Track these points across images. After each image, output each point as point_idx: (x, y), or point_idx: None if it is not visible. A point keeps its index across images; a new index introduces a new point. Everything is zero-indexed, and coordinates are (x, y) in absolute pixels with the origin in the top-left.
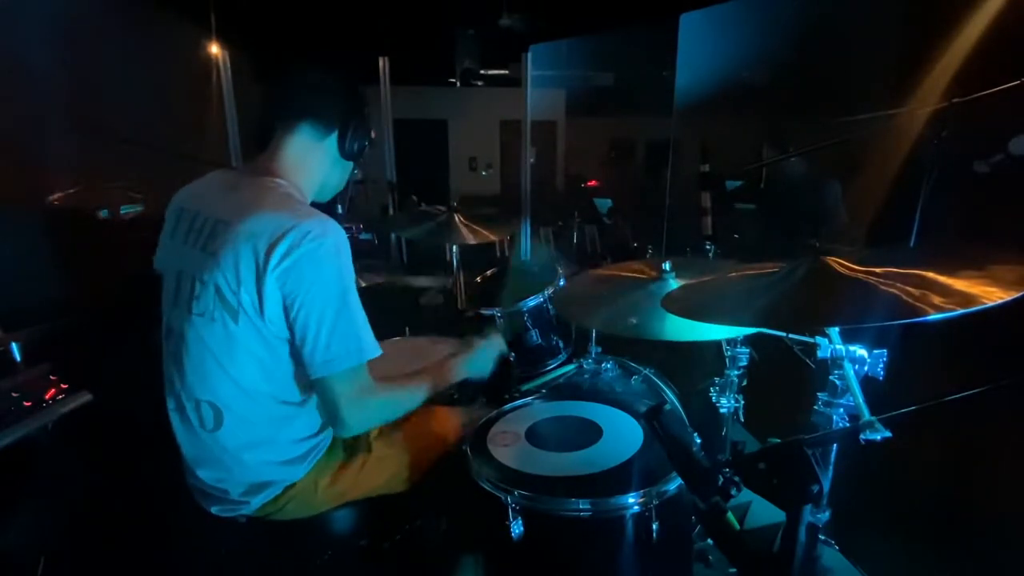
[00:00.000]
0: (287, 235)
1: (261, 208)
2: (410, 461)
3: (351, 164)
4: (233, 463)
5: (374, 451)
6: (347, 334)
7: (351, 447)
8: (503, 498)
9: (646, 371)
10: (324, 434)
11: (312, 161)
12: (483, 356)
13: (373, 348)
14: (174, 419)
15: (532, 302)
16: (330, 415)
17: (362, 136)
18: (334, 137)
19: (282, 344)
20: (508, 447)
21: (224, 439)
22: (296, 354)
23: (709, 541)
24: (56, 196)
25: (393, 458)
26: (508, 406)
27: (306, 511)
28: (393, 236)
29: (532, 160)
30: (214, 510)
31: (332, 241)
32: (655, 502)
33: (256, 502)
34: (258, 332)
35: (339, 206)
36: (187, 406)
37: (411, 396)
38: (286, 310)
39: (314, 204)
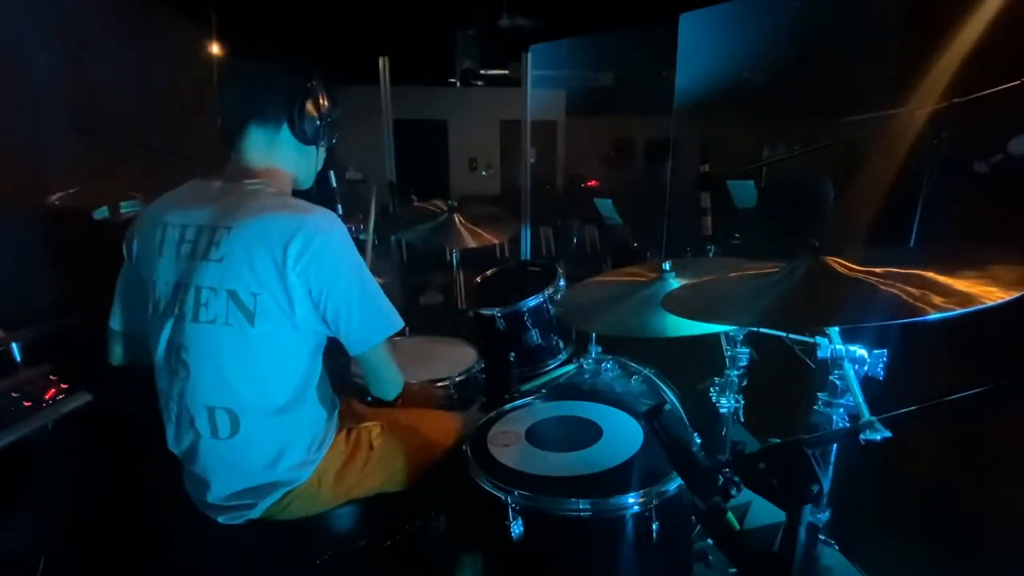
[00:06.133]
0: (298, 233)
1: (260, 211)
2: (409, 460)
3: (321, 147)
4: (247, 468)
5: (375, 449)
6: (374, 311)
7: (353, 444)
8: (503, 498)
9: (646, 371)
10: (329, 429)
11: (277, 156)
12: None
13: (398, 320)
14: (184, 437)
15: (532, 302)
16: (373, 381)
17: (314, 118)
18: (286, 127)
19: (311, 338)
20: (508, 447)
21: (241, 444)
22: (318, 344)
23: (709, 541)
24: (56, 196)
25: (393, 456)
26: (508, 406)
27: (309, 510)
28: (393, 236)
29: (532, 160)
30: (221, 519)
31: (339, 230)
32: (655, 502)
33: (263, 504)
34: (275, 331)
35: (339, 206)
36: (197, 417)
37: None
38: (314, 303)
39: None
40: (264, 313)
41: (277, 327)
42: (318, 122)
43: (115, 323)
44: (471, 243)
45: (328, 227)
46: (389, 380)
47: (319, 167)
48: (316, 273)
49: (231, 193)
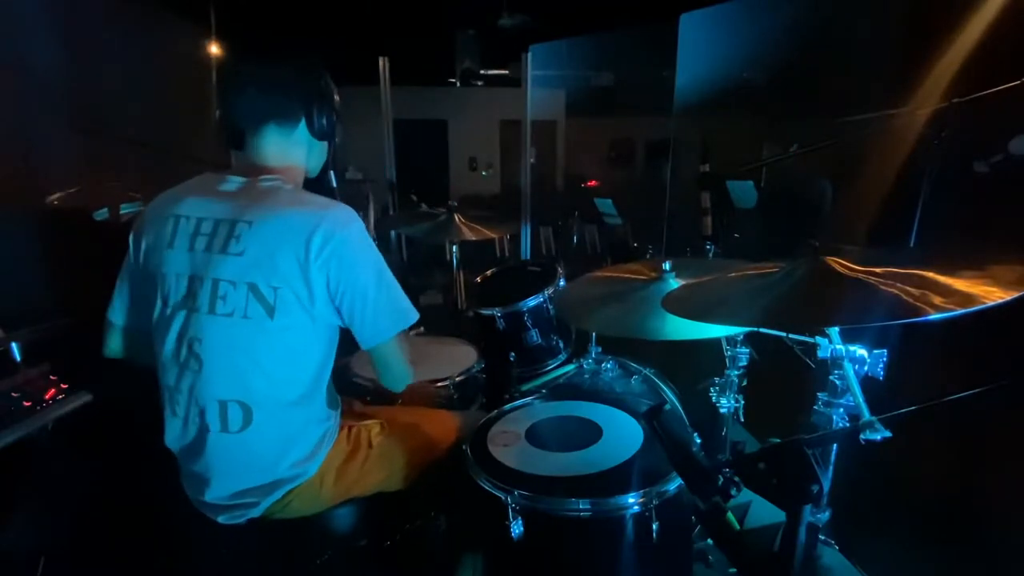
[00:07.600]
0: (319, 228)
1: (281, 207)
2: (408, 459)
3: (330, 141)
4: (255, 462)
5: (375, 447)
6: (390, 305)
7: (354, 442)
8: (503, 498)
9: (646, 371)
10: (334, 426)
11: (291, 152)
12: None
13: (413, 313)
14: (190, 431)
15: (532, 302)
16: (384, 374)
17: (329, 113)
18: (303, 124)
19: (326, 332)
20: (508, 447)
21: (252, 438)
22: (332, 337)
23: (709, 541)
24: (56, 196)
25: (393, 455)
26: (508, 406)
27: (309, 508)
28: (393, 235)
29: (532, 160)
30: (221, 519)
31: (358, 225)
32: (655, 502)
33: (265, 502)
34: (294, 325)
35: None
36: (208, 411)
37: None
38: (331, 296)
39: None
40: (284, 306)
41: (296, 320)
42: (334, 117)
43: (115, 316)
44: (470, 237)
45: (347, 222)
46: (398, 374)
47: (328, 158)
48: (336, 266)
49: (248, 188)
